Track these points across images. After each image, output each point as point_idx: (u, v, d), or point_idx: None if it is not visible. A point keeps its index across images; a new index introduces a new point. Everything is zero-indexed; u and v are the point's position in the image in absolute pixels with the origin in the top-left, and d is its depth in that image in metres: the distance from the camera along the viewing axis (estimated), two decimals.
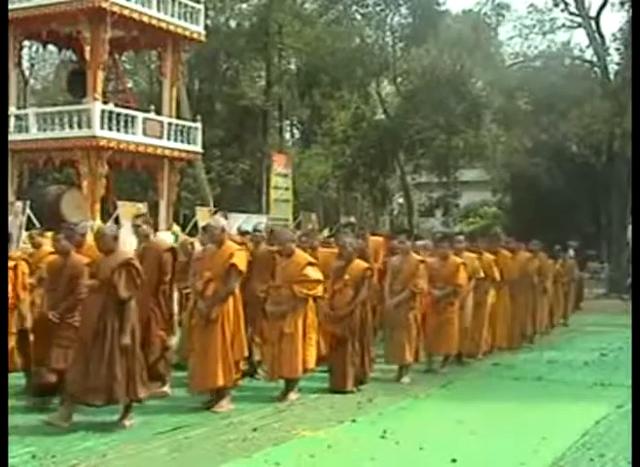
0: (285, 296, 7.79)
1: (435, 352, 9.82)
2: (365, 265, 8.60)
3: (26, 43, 23.10)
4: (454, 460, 5.64)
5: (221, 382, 7.11)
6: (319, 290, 7.98)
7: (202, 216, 19.04)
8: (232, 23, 34.03)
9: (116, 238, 6.66)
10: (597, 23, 28.32)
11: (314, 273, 7.91)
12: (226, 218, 18.39)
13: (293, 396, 7.83)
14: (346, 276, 8.38)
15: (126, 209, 16.63)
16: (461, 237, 11.09)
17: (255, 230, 9.51)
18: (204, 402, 7.29)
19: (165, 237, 13.35)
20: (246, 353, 7.51)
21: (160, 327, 7.65)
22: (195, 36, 20.54)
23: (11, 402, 6.65)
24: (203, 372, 7.10)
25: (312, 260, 8.11)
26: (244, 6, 34.31)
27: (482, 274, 10.55)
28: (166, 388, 7.79)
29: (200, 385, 7.21)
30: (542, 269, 13.36)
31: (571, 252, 16.84)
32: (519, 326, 12.29)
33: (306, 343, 7.81)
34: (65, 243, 7.19)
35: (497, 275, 11.12)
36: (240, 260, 7.28)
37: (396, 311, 9.08)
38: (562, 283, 15.49)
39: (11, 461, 5.32)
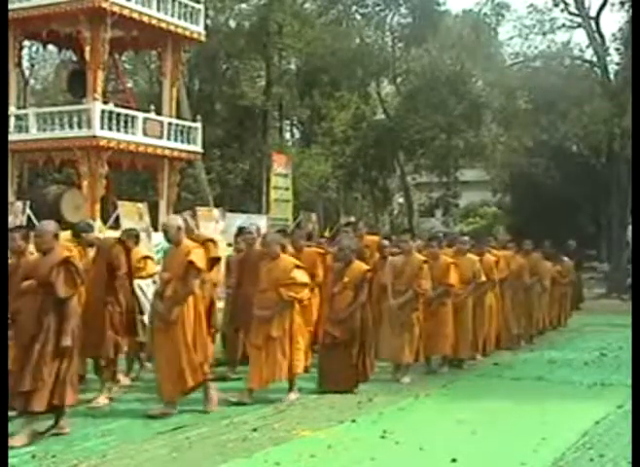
0: (271, 299, 7.65)
1: (430, 353, 9.77)
2: (365, 267, 8.53)
3: (26, 43, 23.09)
4: (454, 460, 5.64)
5: (190, 384, 6.97)
6: (306, 293, 7.90)
7: (202, 216, 19.02)
8: (232, 23, 34.02)
9: (56, 236, 6.34)
10: (597, 23, 28.32)
11: (301, 277, 7.80)
12: (223, 216, 18.48)
13: (293, 396, 7.80)
14: (346, 279, 8.32)
15: (126, 209, 16.61)
16: (465, 238, 11.01)
17: (245, 231, 9.35)
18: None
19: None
20: (210, 355, 7.29)
21: (115, 328, 7.36)
22: (195, 36, 20.54)
23: None
24: (171, 377, 6.91)
25: (299, 263, 7.99)
26: (244, 6, 34.30)
27: (484, 278, 10.43)
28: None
29: (172, 391, 6.98)
30: (536, 269, 13.20)
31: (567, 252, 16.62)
32: (509, 327, 12.04)
33: (294, 347, 7.70)
34: (21, 243, 6.70)
35: (496, 277, 11.02)
36: (198, 257, 7.07)
37: (400, 312, 9.05)
38: (561, 284, 15.38)
39: (11, 461, 5.33)
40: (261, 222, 20.01)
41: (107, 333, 7.28)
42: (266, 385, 7.66)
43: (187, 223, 7.89)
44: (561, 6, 29.46)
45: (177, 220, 7.38)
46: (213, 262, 8.12)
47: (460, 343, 10.00)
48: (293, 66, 35.68)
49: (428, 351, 9.67)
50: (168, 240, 7.26)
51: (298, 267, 7.84)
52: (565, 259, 16.01)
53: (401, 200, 41.82)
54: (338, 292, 8.35)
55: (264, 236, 8.30)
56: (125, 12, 18.12)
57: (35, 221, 15.75)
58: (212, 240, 8.25)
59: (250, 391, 7.62)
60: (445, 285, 9.63)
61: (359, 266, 8.47)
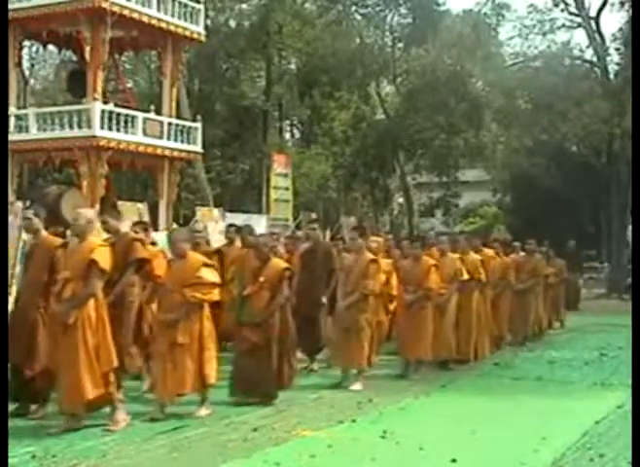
0: (177, 302, 6.91)
1: (408, 357, 9.50)
2: (283, 265, 7.92)
3: (26, 43, 23.05)
4: (454, 460, 5.64)
5: (90, 395, 6.27)
6: (215, 294, 7.10)
7: (203, 216, 19.04)
8: (232, 23, 34.06)
9: None
10: (597, 23, 28.35)
11: (210, 276, 7.06)
12: (223, 216, 18.48)
13: (204, 412, 7.02)
14: (262, 278, 7.67)
15: (126, 209, 16.61)
16: (444, 238, 10.62)
17: (193, 230, 9.00)
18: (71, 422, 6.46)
19: (164, 238, 13.32)
20: (115, 364, 6.50)
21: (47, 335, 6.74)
22: (195, 36, 20.51)
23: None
24: (69, 387, 6.30)
25: (208, 261, 7.32)
26: (244, 6, 34.34)
27: (467, 276, 10.11)
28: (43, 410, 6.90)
29: (70, 402, 6.36)
30: (537, 269, 13.03)
31: (549, 251, 15.75)
32: (498, 329, 11.68)
33: (204, 356, 6.93)
34: None
35: (483, 276, 10.71)
36: (102, 256, 6.40)
37: (347, 314, 8.58)
38: (554, 285, 15.00)
39: (11, 461, 5.32)
40: (261, 222, 20.05)
41: (36, 339, 6.76)
42: (174, 398, 6.95)
43: (108, 222, 7.42)
44: (561, 6, 29.53)
45: (90, 212, 6.75)
46: (140, 263, 7.54)
47: (441, 344, 9.67)
48: (293, 66, 35.74)
49: (406, 355, 9.47)
50: (74, 232, 6.61)
51: (206, 265, 7.13)
52: (558, 259, 15.75)
53: (401, 200, 41.85)
54: (255, 293, 7.68)
55: (170, 234, 7.52)
56: (125, 12, 18.10)
57: None
58: (140, 240, 7.69)
59: (162, 405, 6.95)
60: (424, 288, 9.26)
61: (276, 264, 7.84)
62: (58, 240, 7.10)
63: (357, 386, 8.46)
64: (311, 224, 10.59)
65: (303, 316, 8.98)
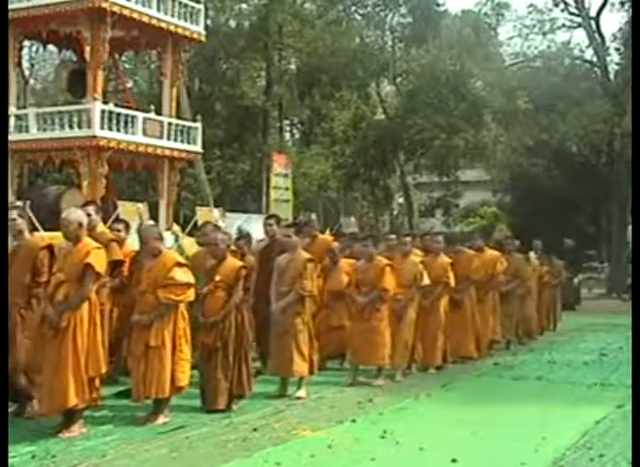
0: (151, 303, 6.74)
1: (362, 364, 9.01)
2: (239, 264, 7.54)
3: (26, 43, 23.06)
4: (454, 460, 5.64)
5: (72, 402, 6.13)
6: (189, 295, 6.86)
7: (203, 216, 19.04)
8: (232, 23, 34.06)
9: None
10: (597, 23, 28.40)
11: (183, 276, 6.83)
12: (223, 216, 18.47)
13: (162, 419, 6.77)
14: (217, 277, 7.34)
15: (126, 209, 16.59)
16: (408, 239, 9.90)
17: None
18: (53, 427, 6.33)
19: (164, 238, 13.30)
20: (103, 369, 6.41)
21: (27, 335, 6.62)
22: (195, 36, 20.51)
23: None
24: (52, 389, 6.15)
25: (181, 260, 7.07)
26: (244, 6, 34.33)
27: (428, 281, 9.39)
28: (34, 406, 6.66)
29: (49, 405, 6.23)
30: (518, 271, 12.57)
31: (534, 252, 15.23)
32: (480, 332, 11.04)
33: (177, 357, 6.74)
34: None
35: (451, 281, 9.94)
36: (97, 259, 6.34)
37: (282, 317, 8.05)
38: (550, 286, 14.80)
39: (11, 461, 5.32)
40: (261, 222, 20.03)
41: (21, 340, 6.64)
42: (144, 400, 6.81)
43: (90, 218, 7.14)
44: (561, 6, 29.64)
45: (79, 214, 6.56)
46: (115, 265, 7.41)
47: (396, 352, 9.08)
48: (293, 66, 35.72)
49: (359, 362, 8.97)
50: (67, 237, 6.49)
51: (179, 264, 6.89)
52: (556, 260, 15.55)
53: (401, 200, 41.84)
54: (210, 292, 7.33)
55: (140, 231, 7.17)
56: (125, 12, 18.09)
57: (35, 221, 15.76)
58: (117, 241, 7.51)
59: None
60: (379, 290, 8.74)
61: (232, 263, 7.50)
62: (43, 242, 6.96)
63: (302, 393, 8.03)
64: (269, 220, 9.84)
65: (262, 317, 8.57)
